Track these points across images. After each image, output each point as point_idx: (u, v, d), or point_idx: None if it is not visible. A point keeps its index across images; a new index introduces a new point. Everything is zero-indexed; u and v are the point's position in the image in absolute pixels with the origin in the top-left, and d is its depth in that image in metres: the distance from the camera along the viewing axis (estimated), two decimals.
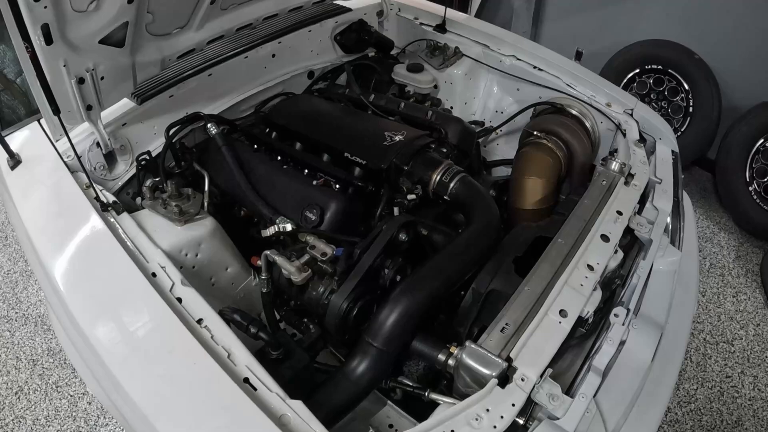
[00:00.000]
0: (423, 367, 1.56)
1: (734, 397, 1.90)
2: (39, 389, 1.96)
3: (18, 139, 1.42)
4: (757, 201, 2.42)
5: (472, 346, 0.95)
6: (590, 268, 1.12)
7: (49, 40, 1.06)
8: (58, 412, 1.90)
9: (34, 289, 2.33)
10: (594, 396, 1.02)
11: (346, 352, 1.15)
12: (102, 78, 1.26)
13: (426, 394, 1.03)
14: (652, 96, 2.75)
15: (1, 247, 2.55)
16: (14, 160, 1.33)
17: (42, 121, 1.40)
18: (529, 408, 0.95)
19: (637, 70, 2.73)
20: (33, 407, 1.91)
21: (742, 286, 2.31)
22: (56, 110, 1.06)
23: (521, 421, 0.93)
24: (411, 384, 1.08)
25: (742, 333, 2.12)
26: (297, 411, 0.85)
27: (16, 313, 2.24)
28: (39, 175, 1.31)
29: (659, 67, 2.67)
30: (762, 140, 2.41)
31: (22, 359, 2.06)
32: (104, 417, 1.88)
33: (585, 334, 1.18)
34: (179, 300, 1.00)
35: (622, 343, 1.14)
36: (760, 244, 2.48)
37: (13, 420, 1.88)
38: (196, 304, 0.99)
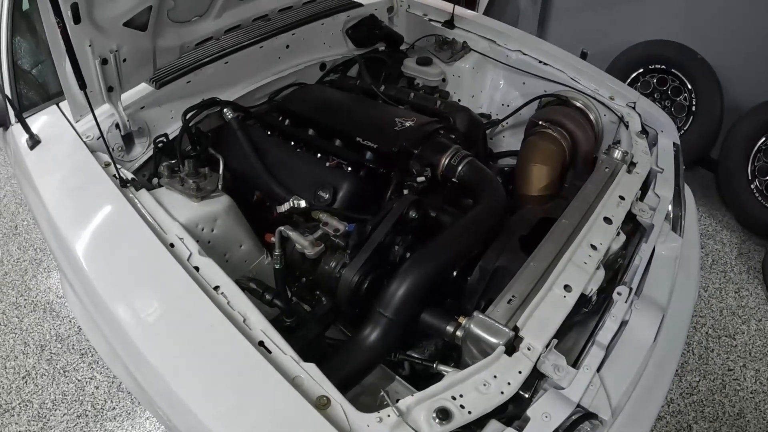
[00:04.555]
0: (429, 355, 1.58)
1: (736, 389, 1.92)
2: (46, 374, 1.98)
3: (37, 121, 1.45)
4: (759, 199, 2.45)
5: (480, 315, 0.98)
6: (593, 247, 1.15)
7: (77, 19, 1.10)
8: (65, 396, 1.91)
9: (43, 277, 2.36)
10: (598, 371, 1.04)
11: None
12: (124, 60, 1.30)
13: (434, 365, 1.05)
14: (655, 95, 2.79)
15: (12, 236, 2.59)
16: (33, 140, 1.37)
17: (61, 104, 1.46)
18: (533, 383, 0.97)
19: (641, 70, 2.78)
20: (40, 391, 1.92)
21: (744, 282, 2.33)
22: (83, 85, 1.10)
23: (526, 395, 0.95)
24: (419, 357, 1.11)
25: (744, 328, 2.14)
26: (310, 373, 0.88)
27: (25, 300, 2.26)
28: (58, 154, 1.34)
29: (663, 66, 2.71)
30: (764, 139, 2.44)
31: (30, 345, 2.08)
32: (111, 401, 1.89)
33: (588, 313, 1.21)
34: (196, 269, 1.03)
35: (625, 323, 1.17)
36: (762, 242, 2.50)
37: (19, 404, 1.89)
38: (212, 272, 1.02)
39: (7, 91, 1.50)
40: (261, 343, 0.91)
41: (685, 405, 1.87)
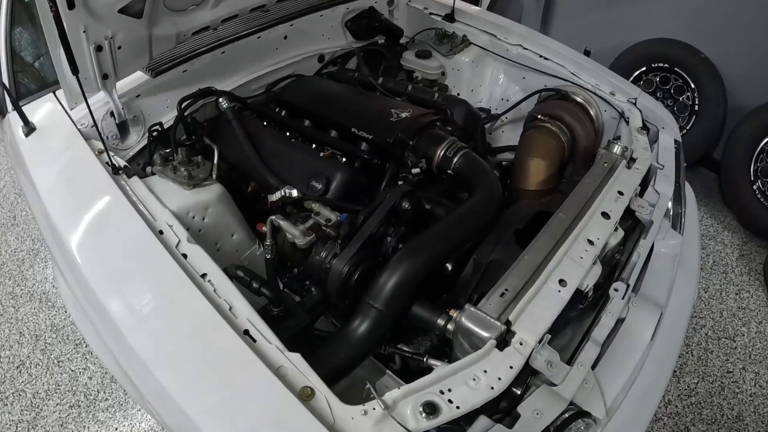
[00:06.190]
0: (424, 351, 1.56)
1: (735, 392, 1.89)
2: (41, 363, 1.97)
3: (33, 109, 1.45)
4: (761, 200, 2.42)
5: (472, 309, 0.96)
6: (590, 242, 1.13)
7: (71, 4, 1.09)
8: (58, 386, 1.91)
9: (40, 267, 2.36)
10: (593, 368, 1.02)
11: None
12: (119, 47, 1.29)
13: (424, 359, 1.03)
14: (658, 94, 2.77)
15: (10, 226, 2.59)
16: (29, 128, 1.37)
17: (58, 92, 1.45)
18: (525, 378, 0.95)
19: (644, 69, 2.75)
20: (34, 381, 1.92)
21: (745, 284, 2.30)
22: (75, 70, 1.09)
23: (518, 391, 0.93)
24: (409, 350, 1.09)
25: (744, 330, 2.11)
26: (295, 363, 0.86)
27: (21, 290, 2.26)
28: (52, 141, 1.34)
29: (666, 65, 2.68)
30: (767, 139, 2.41)
31: (25, 334, 2.08)
32: (104, 392, 1.89)
33: (584, 309, 1.18)
34: (184, 256, 1.02)
35: (622, 320, 1.15)
36: (764, 243, 2.47)
37: (13, 393, 1.89)
38: (200, 259, 1.01)
39: (5, 79, 1.49)
40: (246, 332, 0.90)
41: (683, 407, 1.84)
